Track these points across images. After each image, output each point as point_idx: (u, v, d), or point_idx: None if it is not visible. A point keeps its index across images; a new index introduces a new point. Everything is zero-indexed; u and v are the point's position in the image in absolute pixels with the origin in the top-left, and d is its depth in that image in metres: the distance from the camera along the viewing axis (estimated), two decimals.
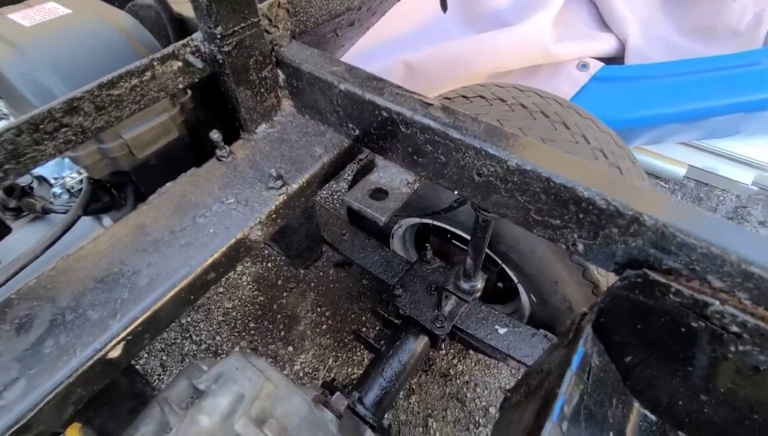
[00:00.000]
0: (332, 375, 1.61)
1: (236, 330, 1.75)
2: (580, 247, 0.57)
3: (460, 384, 1.59)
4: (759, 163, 2.02)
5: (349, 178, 2.23)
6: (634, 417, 0.61)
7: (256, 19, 0.66)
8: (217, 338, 1.73)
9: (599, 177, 0.53)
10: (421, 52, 1.77)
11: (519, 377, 1.06)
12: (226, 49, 0.65)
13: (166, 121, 0.77)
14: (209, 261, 0.61)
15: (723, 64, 1.63)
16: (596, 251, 0.56)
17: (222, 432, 0.57)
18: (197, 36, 0.65)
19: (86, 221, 0.81)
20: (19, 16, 0.72)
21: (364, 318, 1.77)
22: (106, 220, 0.84)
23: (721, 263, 0.45)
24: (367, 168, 1.09)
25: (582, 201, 0.52)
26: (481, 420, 1.51)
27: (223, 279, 1.89)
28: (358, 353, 1.67)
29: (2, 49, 0.65)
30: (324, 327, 1.75)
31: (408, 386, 1.57)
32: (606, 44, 1.93)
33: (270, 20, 0.72)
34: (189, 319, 1.79)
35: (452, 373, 1.62)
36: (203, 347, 1.71)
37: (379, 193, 0.72)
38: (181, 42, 0.63)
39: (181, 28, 0.83)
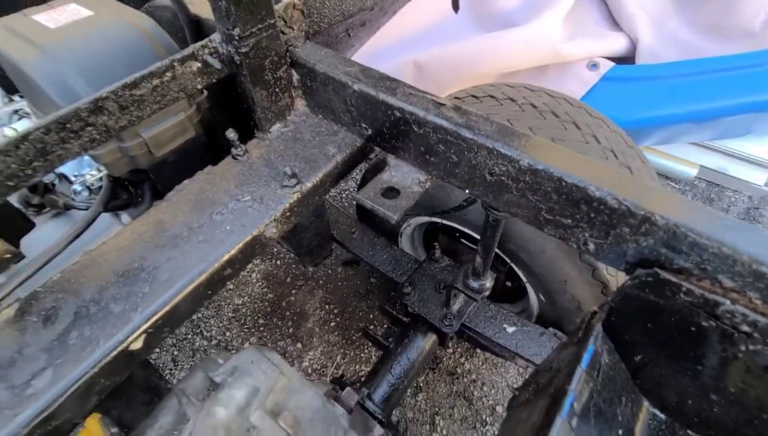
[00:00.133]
0: (340, 372, 1.63)
1: (246, 326, 1.77)
2: (591, 246, 0.58)
3: (467, 383, 1.60)
4: None
5: (357, 176, 2.25)
6: (644, 415, 0.61)
7: (272, 21, 0.68)
8: (227, 334, 1.76)
9: (611, 177, 0.53)
10: (431, 52, 1.77)
11: (527, 376, 1.07)
12: (244, 50, 0.66)
13: (183, 120, 0.79)
14: (226, 257, 0.62)
15: (735, 64, 1.62)
16: (607, 250, 0.56)
17: (238, 424, 0.59)
18: (215, 37, 0.66)
19: (105, 217, 0.84)
20: (44, 17, 0.74)
21: (371, 316, 1.78)
22: (124, 216, 0.86)
23: (733, 262, 0.45)
24: (377, 167, 1.10)
25: (593, 201, 0.53)
26: (488, 419, 1.52)
27: None
28: (366, 351, 1.69)
29: (29, 51, 0.68)
30: (332, 324, 1.76)
31: (415, 384, 1.58)
32: (616, 44, 1.92)
33: (285, 21, 0.73)
34: (200, 315, 1.81)
35: (459, 371, 1.62)
36: (213, 342, 1.74)
37: (391, 192, 0.73)
38: (200, 43, 0.65)
39: (198, 28, 0.85)
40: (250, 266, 1.95)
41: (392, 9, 1.08)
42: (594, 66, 1.76)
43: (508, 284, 1.34)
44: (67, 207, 0.80)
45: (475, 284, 1.09)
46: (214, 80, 0.69)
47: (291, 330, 1.76)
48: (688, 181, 2.22)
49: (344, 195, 2.23)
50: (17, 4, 0.81)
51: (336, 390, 0.93)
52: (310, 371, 1.65)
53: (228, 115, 0.88)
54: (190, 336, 1.76)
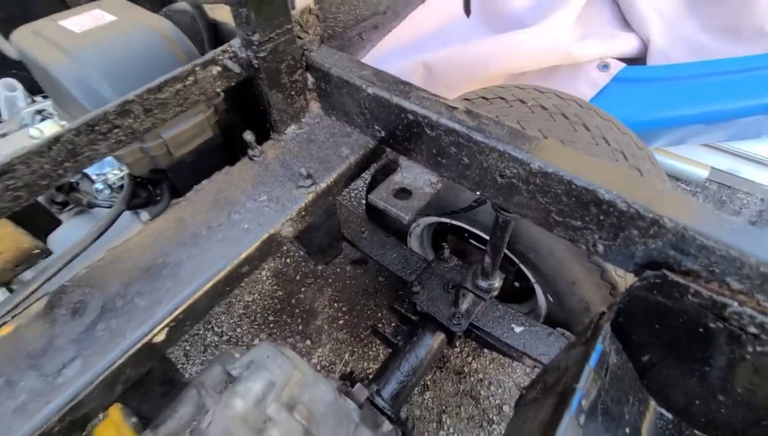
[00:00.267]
0: (348, 369, 1.65)
1: (256, 323, 1.80)
2: (600, 248, 0.59)
3: (474, 382, 1.61)
4: None
5: (366, 176, 2.27)
6: (650, 415, 0.62)
7: (289, 26, 0.70)
8: (238, 330, 1.79)
9: (620, 179, 0.54)
10: (440, 53, 1.78)
11: (534, 376, 1.08)
12: (262, 55, 0.68)
13: (202, 121, 0.82)
14: (244, 255, 0.64)
15: (747, 66, 1.60)
16: (616, 251, 0.57)
17: (255, 415, 0.61)
18: (235, 42, 0.69)
19: (126, 214, 0.87)
20: (69, 23, 0.77)
21: (379, 315, 1.80)
22: (144, 214, 0.89)
23: (740, 265, 0.46)
24: (387, 168, 1.12)
25: (603, 203, 0.54)
26: (494, 418, 1.53)
27: None
28: (374, 349, 1.71)
29: (56, 56, 0.70)
30: (341, 322, 1.79)
31: (423, 383, 1.60)
32: (627, 44, 1.91)
33: (301, 26, 0.75)
34: (211, 311, 1.85)
35: (466, 371, 1.64)
36: (224, 338, 1.77)
37: (403, 193, 0.75)
38: (220, 48, 0.67)
39: (215, 33, 0.87)
40: None
41: (404, 12, 1.09)
42: (605, 67, 1.75)
43: (516, 284, 1.35)
44: (91, 205, 0.83)
45: (484, 284, 1.11)
46: (233, 84, 0.72)
47: (300, 327, 1.78)
48: (699, 183, 2.20)
49: (353, 194, 2.25)
50: (31, 14, 0.84)
51: (346, 386, 0.95)
52: (318, 367, 1.67)
53: (243, 117, 0.90)
54: (201, 332, 1.80)
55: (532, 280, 1.14)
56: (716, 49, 1.85)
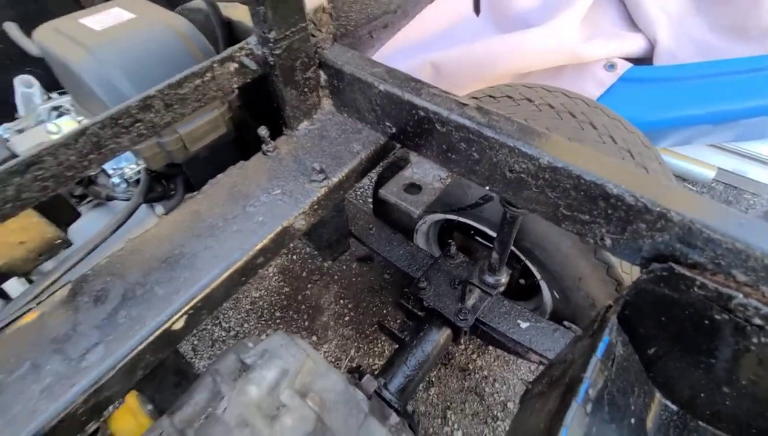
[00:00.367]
0: (355, 364, 1.67)
1: (263, 319, 1.82)
2: (608, 241, 0.60)
3: (479, 379, 1.62)
4: None
5: (372, 175, 2.28)
6: (656, 406, 0.63)
7: (304, 24, 0.72)
8: (245, 325, 1.81)
9: (628, 175, 0.56)
10: (447, 52, 1.79)
11: (540, 370, 1.09)
12: (277, 52, 0.70)
13: (216, 117, 0.84)
14: (259, 247, 0.66)
15: (754, 66, 1.61)
16: (623, 245, 0.59)
17: (269, 402, 0.63)
18: (251, 40, 0.70)
19: (142, 207, 0.89)
20: (90, 20, 0.79)
21: (385, 311, 1.82)
22: (158, 208, 0.91)
23: (746, 257, 0.47)
24: (395, 164, 1.14)
25: (611, 197, 0.55)
26: (499, 414, 1.54)
27: None
28: (379, 345, 1.73)
29: (78, 53, 0.73)
30: (346, 319, 1.81)
31: (428, 379, 1.61)
32: (634, 44, 1.91)
33: (315, 24, 0.77)
34: (219, 307, 1.87)
35: (471, 367, 1.65)
36: (232, 333, 1.79)
37: (413, 188, 0.76)
38: (237, 46, 0.69)
39: (229, 31, 0.89)
40: None
41: (414, 12, 1.11)
42: (611, 67, 1.76)
43: (522, 281, 1.36)
44: (109, 198, 0.85)
45: (490, 280, 1.12)
46: (249, 80, 0.73)
47: (306, 323, 1.80)
48: (705, 184, 2.20)
49: (359, 192, 2.27)
50: (47, 12, 0.86)
51: (354, 378, 0.96)
52: None
53: (256, 113, 0.92)
54: (209, 327, 1.82)
55: (538, 277, 1.15)
56: (723, 49, 1.85)
